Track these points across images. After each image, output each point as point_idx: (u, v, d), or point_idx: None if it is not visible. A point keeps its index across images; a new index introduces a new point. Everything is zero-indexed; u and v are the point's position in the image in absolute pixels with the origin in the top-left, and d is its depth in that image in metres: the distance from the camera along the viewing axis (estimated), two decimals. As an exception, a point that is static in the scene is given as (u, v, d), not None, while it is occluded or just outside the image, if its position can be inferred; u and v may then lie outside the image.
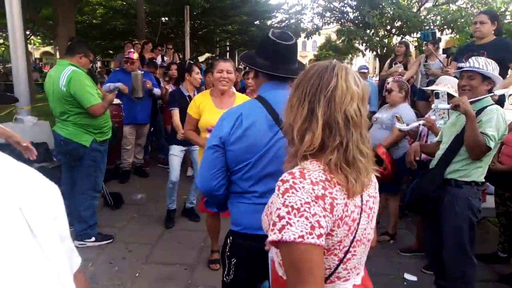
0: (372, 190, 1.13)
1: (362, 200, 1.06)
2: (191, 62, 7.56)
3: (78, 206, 3.30)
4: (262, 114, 1.52)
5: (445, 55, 4.96)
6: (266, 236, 1.16)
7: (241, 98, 2.89)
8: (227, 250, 1.66)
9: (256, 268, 1.49)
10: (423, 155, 3.29)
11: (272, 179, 1.51)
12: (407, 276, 3.15)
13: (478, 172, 2.44)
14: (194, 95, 3.87)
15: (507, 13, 5.14)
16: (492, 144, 2.29)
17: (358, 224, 1.04)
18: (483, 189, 2.61)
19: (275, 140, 1.50)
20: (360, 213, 1.05)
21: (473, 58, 2.46)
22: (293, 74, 1.57)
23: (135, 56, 4.91)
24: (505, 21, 4.98)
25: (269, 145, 1.50)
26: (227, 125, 1.53)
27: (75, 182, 3.35)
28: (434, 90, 2.81)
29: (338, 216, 0.98)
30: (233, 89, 3.19)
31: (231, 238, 1.65)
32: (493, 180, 3.07)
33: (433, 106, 2.80)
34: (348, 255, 1.05)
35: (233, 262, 1.62)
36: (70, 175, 3.42)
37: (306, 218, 0.93)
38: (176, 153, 3.80)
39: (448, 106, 2.64)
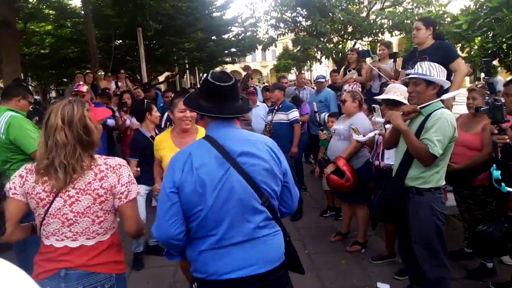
0: (82, 184, 1.57)
1: (60, 190, 1.56)
2: (148, 87, 7.41)
3: (33, 258, 3.07)
4: (211, 153, 1.53)
5: (392, 60, 5.12)
6: (232, 280, 1.49)
7: (203, 133, 2.76)
8: None
9: None
10: (382, 163, 3.34)
11: (231, 218, 1.51)
12: (380, 285, 3.16)
13: (436, 178, 2.47)
14: (155, 133, 3.73)
15: (445, 15, 5.40)
16: (436, 149, 2.32)
17: (51, 204, 1.57)
18: (443, 188, 2.66)
19: (226, 177, 1.50)
20: (54, 197, 1.56)
21: (418, 64, 2.52)
22: (235, 113, 1.62)
23: (85, 88, 4.73)
24: (445, 23, 5.20)
25: (221, 183, 1.50)
26: (178, 168, 1.52)
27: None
28: (377, 102, 2.87)
29: (26, 191, 1.58)
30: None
31: (196, 284, 1.60)
32: (450, 180, 3.15)
33: (372, 119, 2.86)
34: (44, 221, 1.60)
35: None
36: (20, 226, 3.18)
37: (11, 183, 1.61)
38: (141, 193, 3.62)
39: (382, 120, 2.70)
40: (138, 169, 2.92)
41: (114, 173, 1.62)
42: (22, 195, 1.60)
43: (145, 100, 3.83)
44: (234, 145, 1.54)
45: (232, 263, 1.52)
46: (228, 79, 1.58)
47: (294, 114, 4.80)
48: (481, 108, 2.35)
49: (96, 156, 1.65)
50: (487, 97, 2.32)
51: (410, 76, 2.53)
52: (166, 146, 2.71)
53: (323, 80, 6.35)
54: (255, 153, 1.56)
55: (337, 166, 3.50)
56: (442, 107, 2.49)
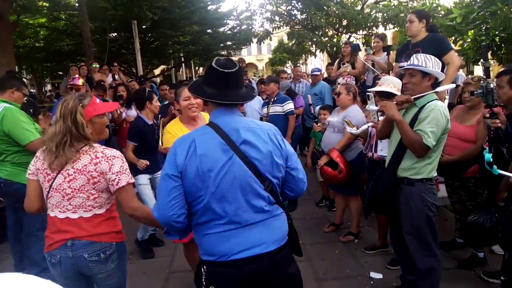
0: (79, 166, 1.81)
1: (62, 168, 1.81)
2: (143, 80, 7.40)
3: (29, 248, 3.10)
4: (215, 140, 1.56)
5: (386, 53, 5.14)
6: (241, 260, 1.56)
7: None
8: (203, 279, 1.64)
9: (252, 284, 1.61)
10: (376, 155, 3.38)
11: (236, 203, 1.56)
12: (373, 274, 3.21)
13: (428, 169, 2.49)
14: (154, 122, 3.79)
15: (439, 8, 5.41)
16: (429, 140, 2.34)
17: (54, 180, 1.82)
18: (435, 179, 2.69)
19: (230, 164, 1.54)
20: (57, 174, 1.81)
21: (414, 55, 2.53)
22: (240, 100, 1.65)
23: (80, 82, 4.70)
24: (439, 16, 5.22)
25: (225, 169, 1.53)
26: (182, 152, 1.54)
27: (23, 224, 3.14)
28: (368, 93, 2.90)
29: (37, 167, 1.87)
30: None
31: (205, 267, 1.64)
32: (443, 171, 3.19)
33: (366, 107, 2.89)
34: (49, 195, 1.85)
35: None
36: (15, 217, 3.20)
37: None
38: (144, 182, 3.66)
39: (376, 108, 2.72)
40: (147, 162, 2.91)
41: (107, 162, 1.83)
42: (34, 174, 1.89)
43: (147, 89, 3.83)
44: (238, 133, 1.57)
45: (240, 244, 1.57)
46: (232, 66, 1.60)
47: (289, 106, 4.85)
48: (475, 92, 2.38)
49: (97, 145, 1.88)
50: (482, 81, 2.34)
51: (406, 67, 2.55)
52: (179, 130, 2.70)
53: (318, 73, 6.36)
54: (257, 141, 1.59)
55: (330, 157, 3.53)
56: (436, 99, 2.50)
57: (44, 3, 13.28)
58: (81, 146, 1.82)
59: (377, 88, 3.14)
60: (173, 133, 2.72)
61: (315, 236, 4.02)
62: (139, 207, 1.92)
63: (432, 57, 2.49)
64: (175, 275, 3.38)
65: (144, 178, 3.64)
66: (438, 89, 2.58)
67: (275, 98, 4.93)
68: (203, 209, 1.56)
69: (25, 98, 3.20)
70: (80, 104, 1.83)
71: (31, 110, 3.91)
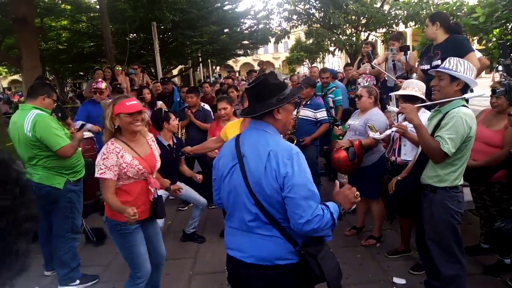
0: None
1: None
2: (166, 80, 7.50)
3: (58, 250, 3.21)
4: (231, 148, 1.76)
5: (403, 53, 5.06)
6: (229, 256, 1.79)
7: None
8: None
9: (233, 283, 1.84)
10: (399, 159, 3.35)
11: (232, 206, 1.74)
12: (396, 279, 3.19)
13: (452, 177, 2.44)
14: (173, 141, 3.86)
15: (463, 6, 5.28)
16: (447, 147, 2.29)
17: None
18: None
19: (232, 172, 1.72)
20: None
21: (448, 59, 2.46)
22: (243, 114, 1.89)
23: (103, 85, 4.81)
24: (462, 14, 5.09)
25: (229, 175, 1.74)
26: (218, 153, 1.93)
27: (52, 226, 3.26)
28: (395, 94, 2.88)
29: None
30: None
31: None
32: (468, 176, 3.13)
33: (388, 107, 2.88)
34: None
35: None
36: (46, 219, 3.32)
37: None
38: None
39: (396, 110, 2.70)
40: (200, 176, 3.03)
41: (102, 149, 2.33)
42: None
43: (163, 110, 3.92)
44: (243, 146, 1.70)
45: (231, 242, 1.79)
46: (251, 82, 1.73)
47: (323, 114, 4.66)
48: (498, 90, 2.33)
49: (114, 139, 2.35)
50: (503, 79, 2.29)
51: (436, 69, 2.51)
52: (234, 132, 3.10)
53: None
54: (254, 157, 1.63)
55: (352, 146, 3.51)
56: (463, 105, 2.41)
57: (67, 6, 13.63)
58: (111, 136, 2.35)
59: (401, 92, 3.11)
60: (227, 128, 3.43)
61: (336, 239, 3.96)
62: (109, 199, 2.34)
63: (466, 62, 2.40)
64: (197, 277, 3.43)
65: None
66: (467, 95, 2.51)
67: (308, 102, 4.72)
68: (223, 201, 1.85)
69: (55, 104, 3.30)
70: (113, 103, 2.31)
71: (59, 114, 4.03)
